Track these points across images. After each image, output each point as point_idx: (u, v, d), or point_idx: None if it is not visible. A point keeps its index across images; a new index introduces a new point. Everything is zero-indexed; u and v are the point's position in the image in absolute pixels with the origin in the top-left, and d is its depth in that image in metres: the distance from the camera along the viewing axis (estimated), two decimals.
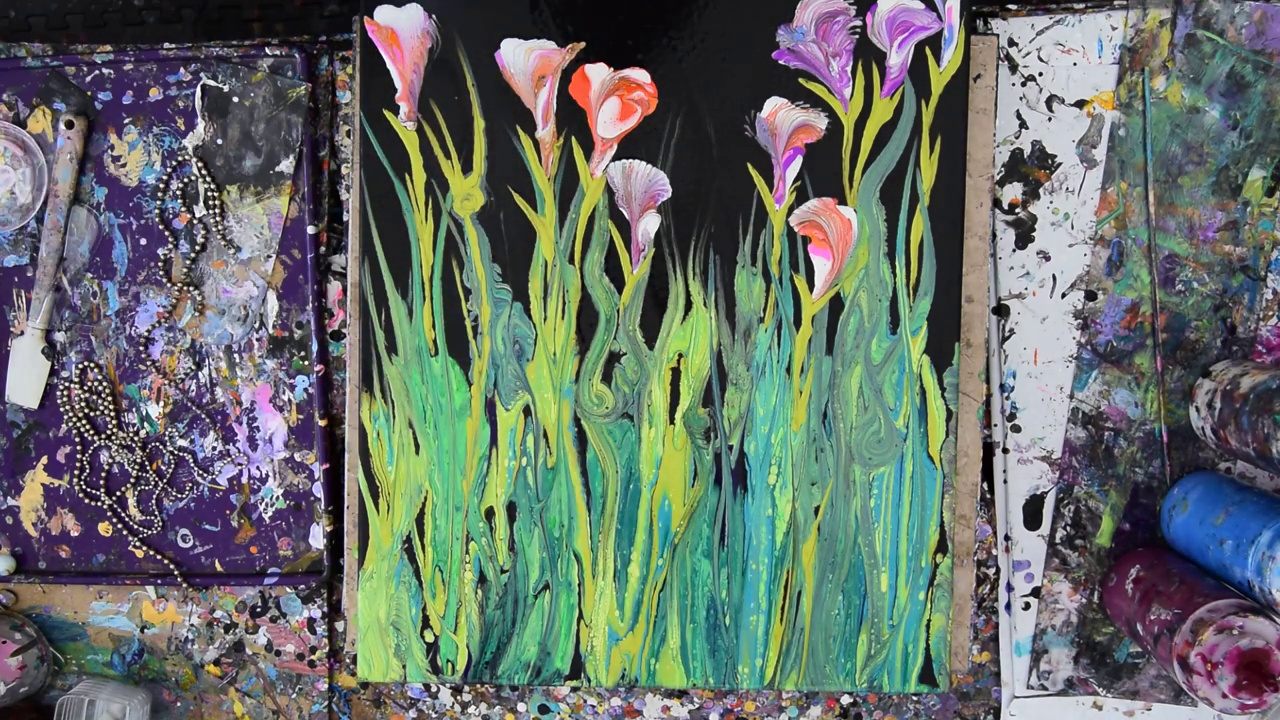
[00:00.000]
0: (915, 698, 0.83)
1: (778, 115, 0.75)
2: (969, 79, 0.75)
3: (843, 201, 0.76)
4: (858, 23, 0.74)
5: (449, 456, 0.78)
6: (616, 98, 0.76)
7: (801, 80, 0.75)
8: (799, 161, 0.76)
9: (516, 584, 0.79)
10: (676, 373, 0.77)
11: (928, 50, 0.75)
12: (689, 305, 0.77)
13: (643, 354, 0.77)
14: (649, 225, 0.76)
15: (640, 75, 0.75)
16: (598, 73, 0.75)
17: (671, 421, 0.78)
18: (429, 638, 0.80)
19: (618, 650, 0.79)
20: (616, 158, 0.76)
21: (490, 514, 0.79)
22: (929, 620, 0.78)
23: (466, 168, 0.77)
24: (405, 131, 0.76)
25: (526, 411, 0.78)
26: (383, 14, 0.75)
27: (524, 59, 0.75)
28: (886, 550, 0.78)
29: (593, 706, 0.84)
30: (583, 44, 0.75)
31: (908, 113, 0.75)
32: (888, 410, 0.77)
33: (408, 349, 0.78)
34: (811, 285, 0.77)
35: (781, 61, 0.75)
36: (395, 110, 0.76)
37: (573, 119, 0.76)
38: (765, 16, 0.75)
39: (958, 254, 0.76)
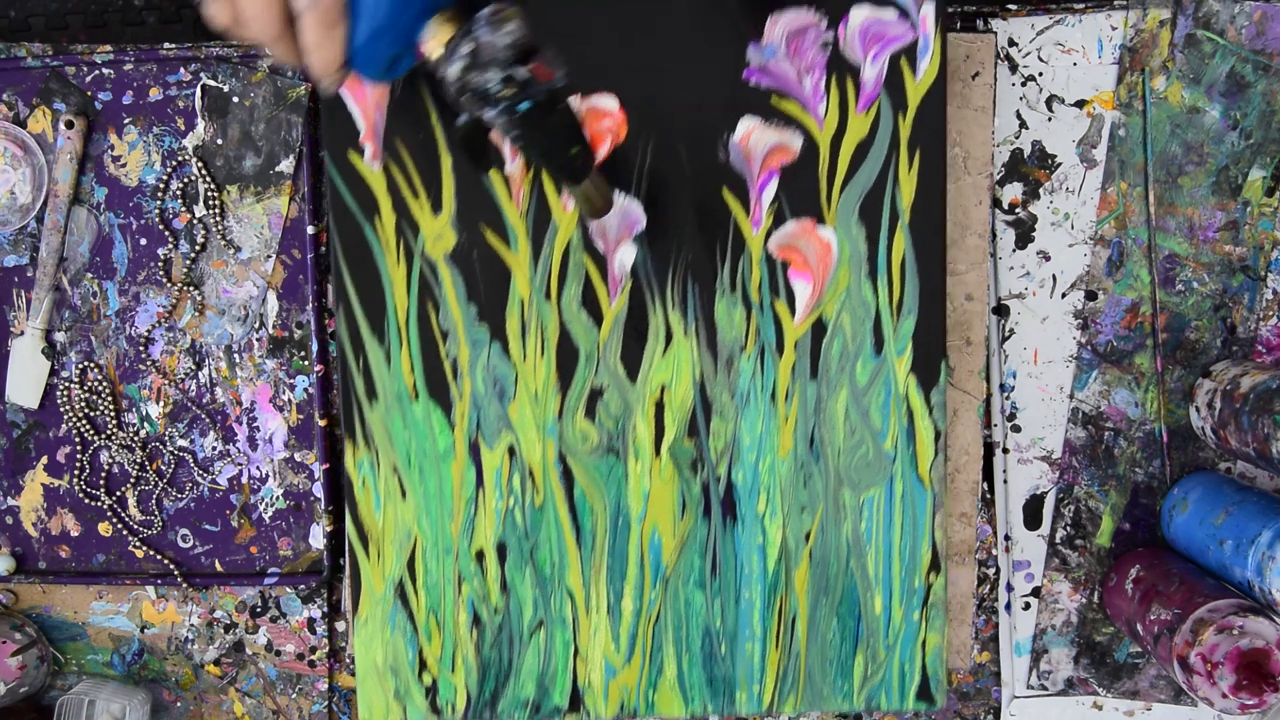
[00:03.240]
0: None
1: (751, 137, 0.74)
2: (946, 89, 0.74)
3: (821, 221, 0.75)
4: (829, 36, 0.73)
5: (436, 500, 0.77)
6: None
7: (774, 100, 0.73)
8: (774, 184, 0.74)
9: (511, 623, 0.78)
10: (660, 405, 0.76)
11: (903, 61, 0.73)
12: (669, 336, 0.76)
13: (625, 388, 0.76)
14: (625, 257, 0.75)
15: (609, 102, 0.74)
16: None
17: (657, 454, 0.76)
18: (427, 680, 0.79)
19: (615, 683, 0.79)
20: None
21: (481, 556, 0.78)
22: (924, 639, 0.78)
23: (436, 207, 0.75)
24: (371, 174, 0.74)
25: (511, 452, 0.77)
26: None
27: None
28: (879, 572, 0.77)
29: None
30: None
31: (884, 127, 0.73)
32: (875, 433, 0.76)
33: (388, 394, 0.76)
34: (793, 310, 0.75)
35: (753, 81, 0.73)
36: (361, 152, 0.74)
37: None
38: (734, 35, 0.73)
39: (941, 270, 0.75)
